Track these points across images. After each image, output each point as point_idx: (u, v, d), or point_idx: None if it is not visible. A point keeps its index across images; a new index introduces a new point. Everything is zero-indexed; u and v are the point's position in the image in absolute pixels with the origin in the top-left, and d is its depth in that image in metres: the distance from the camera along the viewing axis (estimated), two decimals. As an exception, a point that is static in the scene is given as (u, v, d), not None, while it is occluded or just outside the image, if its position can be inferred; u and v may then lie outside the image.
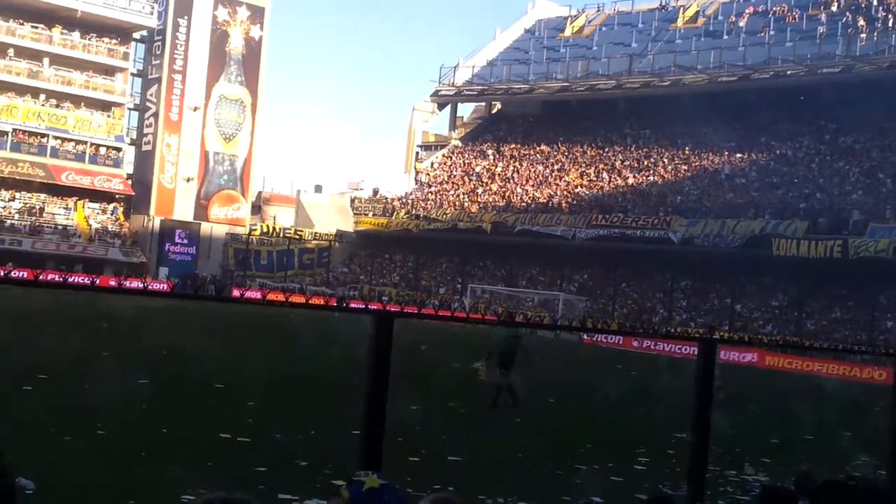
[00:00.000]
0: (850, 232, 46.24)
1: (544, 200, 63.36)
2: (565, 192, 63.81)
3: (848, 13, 60.31)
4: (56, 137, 64.86)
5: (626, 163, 64.27)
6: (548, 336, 41.72)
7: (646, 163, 63.17)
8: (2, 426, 10.10)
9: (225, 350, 21.11)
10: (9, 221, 61.56)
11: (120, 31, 67.65)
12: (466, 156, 74.13)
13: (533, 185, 66.52)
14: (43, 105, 64.78)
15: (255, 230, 68.30)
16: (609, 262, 53.92)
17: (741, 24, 65.22)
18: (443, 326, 33.79)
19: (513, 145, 72.37)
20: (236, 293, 47.00)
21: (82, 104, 66.36)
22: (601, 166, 65.26)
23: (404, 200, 70.84)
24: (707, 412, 6.75)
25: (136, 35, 69.08)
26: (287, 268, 67.30)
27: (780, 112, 58.95)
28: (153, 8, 66.99)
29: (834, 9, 61.76)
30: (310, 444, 11.75)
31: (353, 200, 72.87)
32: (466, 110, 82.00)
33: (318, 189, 79.05)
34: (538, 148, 70.40)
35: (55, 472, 8.79)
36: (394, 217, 67.59)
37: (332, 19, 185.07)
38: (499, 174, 69.90)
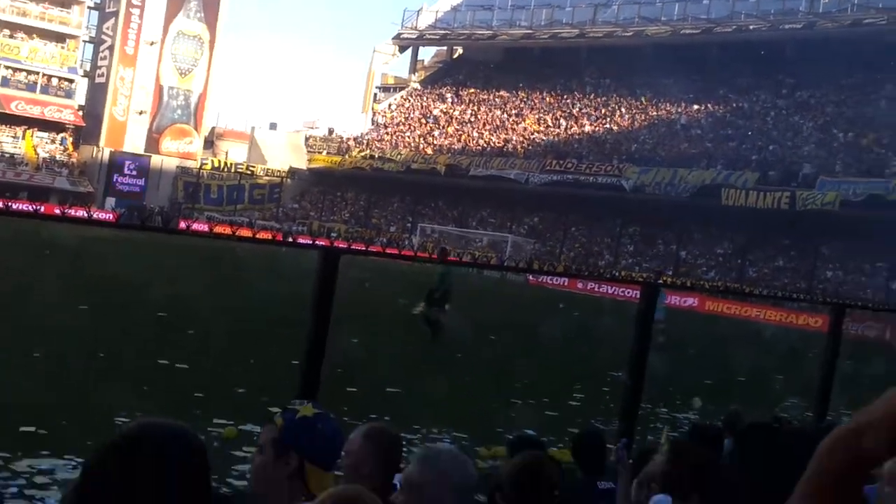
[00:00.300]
0: (799, 184, 46.79)
1: (500, 145, 63.30)
2: (522, 138, 63.77)
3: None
4: (8, 67, 64.17)
5: (585, 111, 64.35)
6: (494, 277, 41.90)
7: (604, 111, 63.27)
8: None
9: (169, 281, 20.89)
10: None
11: (79, -36, 66.43)
12: (425, 99, 73.68)
13: (490, 130, 66.37)
14: (-3, 35, 63.62)
15: (206, 164, 67.59)
16: (560, 206, 54.17)
17: (706, -24, 65.11)
18: (393, 265, 33.83)
19: (472, 90, 72.03)
20: (183, 225, 46.53)
21: (34, 35, 65.24)
22: (559, 113, 65.24)
23: (360, 140, 70.35)
24: (645, 353, 6.80)
25: (96, -32, 67.87)
26: (237, 202, 66.79)
27: (740, 66, 59.20)
28: (113, -59, 65.74)
29: (797, -36, 61.81)
30: (249, 373, 11.72)
31: (307, 139, 72.27)
32: (427, 54, 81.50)
33: (273, 127, 78.14)
34: (497, 93, 70.16)
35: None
36: (348, 156, 67.14)
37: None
38: (456, 118, 69.60)
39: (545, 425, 9.97)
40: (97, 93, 66.90)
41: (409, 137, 68.88)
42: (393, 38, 77.45)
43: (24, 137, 64.11)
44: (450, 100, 72.08)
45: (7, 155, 62.57)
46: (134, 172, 65.79)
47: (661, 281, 25.72)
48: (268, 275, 23.15)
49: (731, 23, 60.17)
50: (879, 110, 51.34)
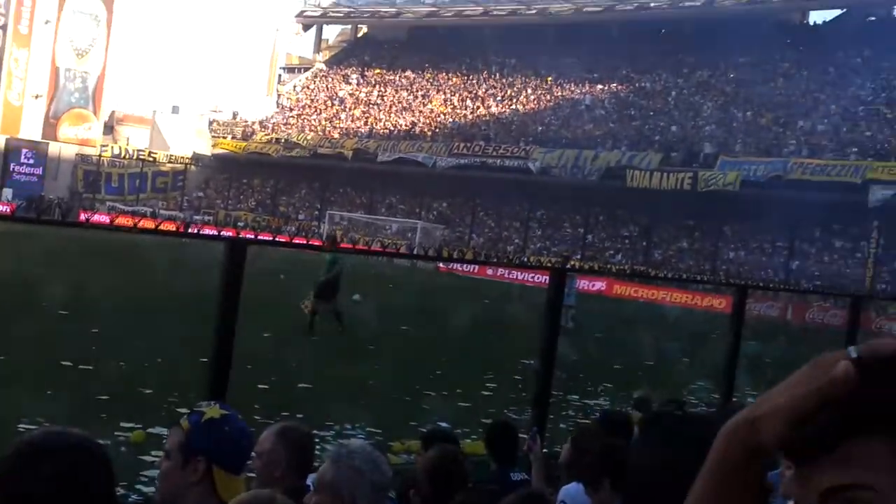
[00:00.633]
0: (700, 165, 47.76)
1: (407, 127, 63.13)
2: (429, 120, 63.70)
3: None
4: None
5: (491, 91, 64.52)
6: (404, 265, 41.82)
7: (510, 92, 63.53)
8: None
9: (70, 276, 20.28)
10: None
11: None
12: (330, 80, 73.02)
13: (396, 112, 66.12)
14: None
15: (105, 151, 65.79)
16: (469, 190, 54.27)
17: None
18: (305, 255, 33.43)
19: (378, 70, 71.61)
20: (83, 217, 45.31)
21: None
22: (465, 94, 65.33)
23: (265, 123, 69.44)
24: (555, 340, 6.88)
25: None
26: (139, 191, 65.22)
27: (641, 45, 59.78)
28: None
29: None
30: (156, 372, 11.45)
31: (211, 123, 70.99)
32: (332, 33, 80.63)
33: (176, 110, 76.48)
34: (403, 74, 69.89)
35: None
36: (252, 140, 66.21)
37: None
38: (362, 100, 69.18)
39: (459, 417, 10.02)
40: (-10, 76, 64.46)
41: (315, 121, 68.21)
42: (296, 16, 76.52)
43: None
44: (355, 81, 71.58)
45: None
46: (31, 161, 63.54)
47: (569, 266, 26.15)
48: (175, 268, 22.65)
49: (632, 1, 60.79)
50: (776, 89, 52.66)
